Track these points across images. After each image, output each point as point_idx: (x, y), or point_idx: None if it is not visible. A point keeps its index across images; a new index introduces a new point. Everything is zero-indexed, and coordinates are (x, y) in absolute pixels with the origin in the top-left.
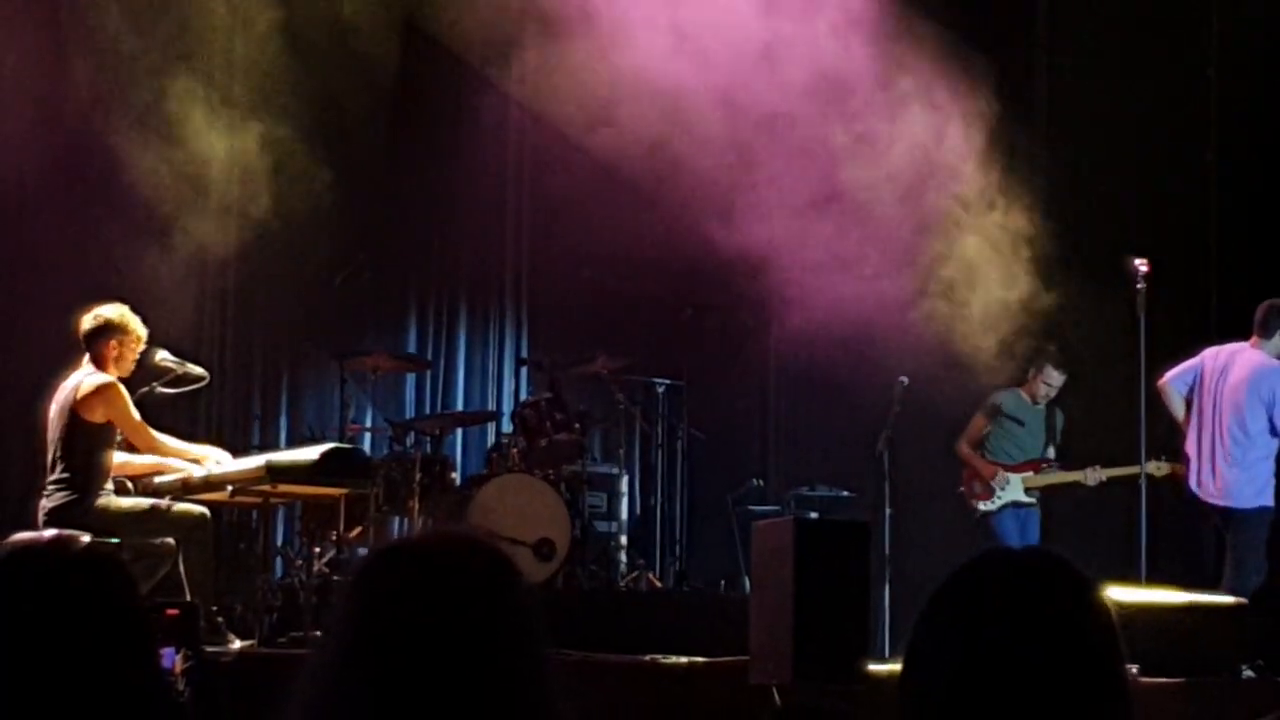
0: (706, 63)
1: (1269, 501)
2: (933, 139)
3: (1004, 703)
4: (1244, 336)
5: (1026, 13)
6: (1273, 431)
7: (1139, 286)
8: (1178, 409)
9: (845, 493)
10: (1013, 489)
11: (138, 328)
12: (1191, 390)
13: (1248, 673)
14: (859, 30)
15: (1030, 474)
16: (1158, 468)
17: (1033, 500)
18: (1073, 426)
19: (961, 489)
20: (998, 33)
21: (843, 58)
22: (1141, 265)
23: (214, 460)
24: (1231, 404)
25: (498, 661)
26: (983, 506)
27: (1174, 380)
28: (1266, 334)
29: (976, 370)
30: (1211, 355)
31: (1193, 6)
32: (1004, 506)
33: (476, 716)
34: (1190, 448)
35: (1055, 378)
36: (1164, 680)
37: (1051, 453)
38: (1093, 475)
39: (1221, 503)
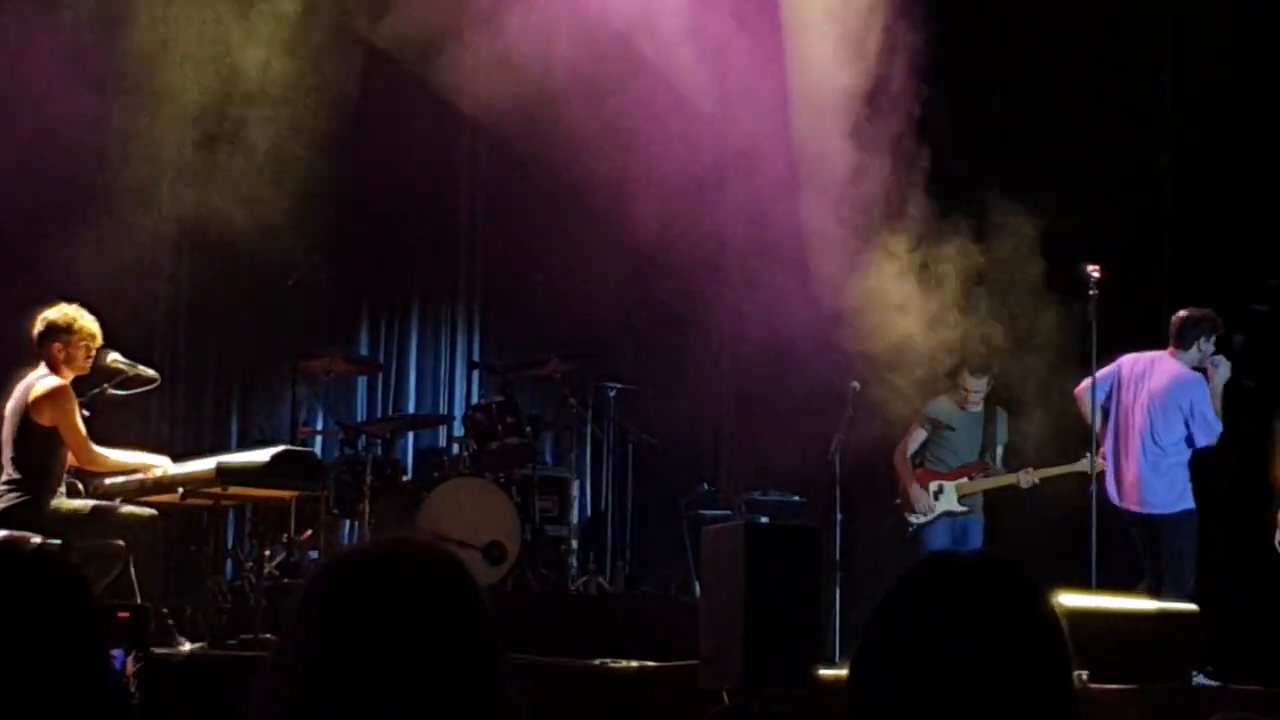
0: (658, 64)
1: (1191, 504)
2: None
3: (952, 708)
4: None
5: (981, 17)
6: (1188, 441)
7: (1091, 293)
8: (1094, 418)
9: (796, 497)
10: (946, 498)
11: (86, 325)
12: (1109, 398)
13: (1199, 679)
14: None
15: (964, 480)
16: (1090, 465)
17: (967, 509)
18: (1028, 431)
19: (898, 501)
20: (953, 35)
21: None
22: (1094, 271)
23: (159, 470)
24: (1150, 413)
25: (454, 666)
26: (916, 519)
27: (1091, 389)
28: (1183, 345)
29: (929, 377)
30: (1129, 362)
31: (1147, 11)
32: (938, 518)
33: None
34: (1107, 456)
35: (972, 382)
36: (1115, 687)
37: (999, 454)
38: (1025, 478)
39: (1144, 511)
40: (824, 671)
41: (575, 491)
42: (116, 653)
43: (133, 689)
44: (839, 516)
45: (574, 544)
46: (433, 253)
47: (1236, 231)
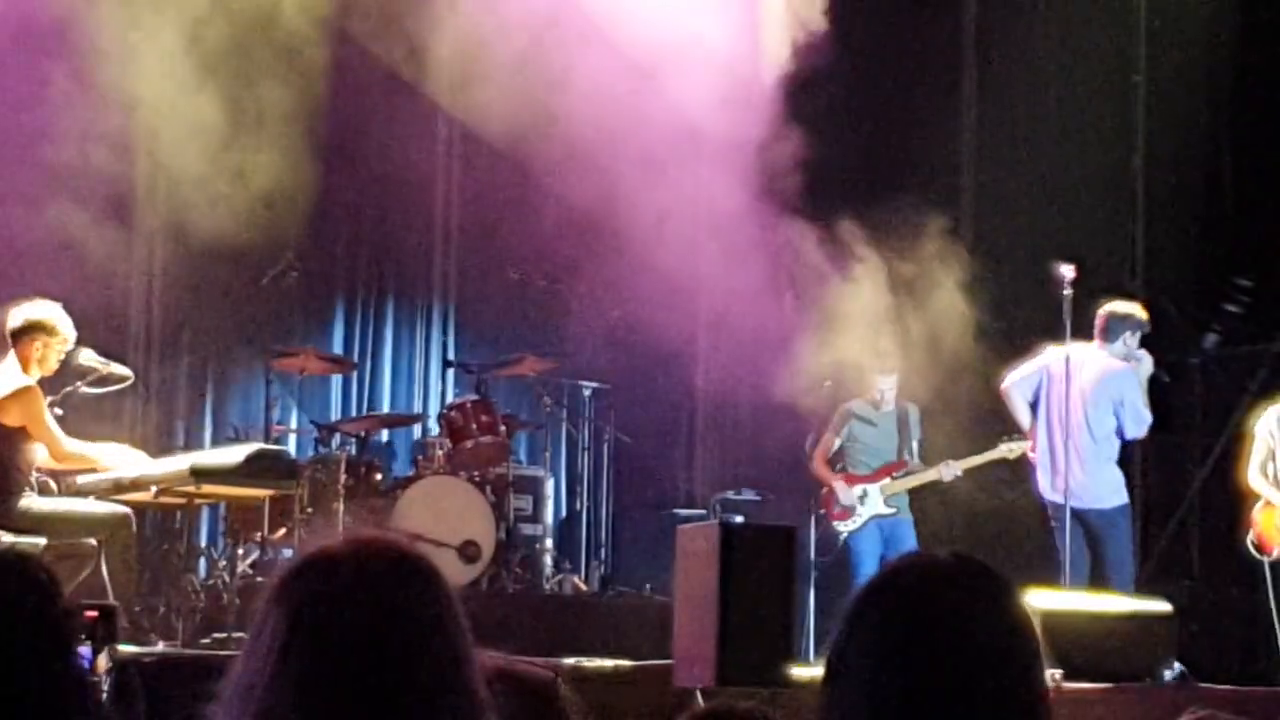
0: (630, 66)
1: (1126, 499)
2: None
3: (924, 708)
4: (1168, 343)
5: (954, 18)
6: (1119, 434)
7: (1065, 292)
8: (1023, 414)
9: (771, 496)
10: (872, 502)
11: (66, 330)
12: (1037, 394)
13: (1168, 676)
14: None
15: (887, 481)
16: (1010, 450)
17: (894, 509)
18: (946, 426)
19: (821, 510)
20: (925, 38)
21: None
22: (1068, 270)
23: (131, 462)
24: (1082, 406)
25: (423, 665)
26: (843, 527)
27: (1018, 384)
28: (1110, 339)
29: (901, 375)
30: (1056, 357)
31: (1120, 13)
32: (866, 522)
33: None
34: (1040, 451)
35: (880, 382)
36: (1086, 686)
37: (915, 449)
38: (947, 470)
39: (1083, 505)
40: (798, 671)
41: (550, 491)
42: (84, 651)
43: (104, 688)
44: (813, 515)
45: (549, 543)
46: (408, 251)
47: (1208, 233)
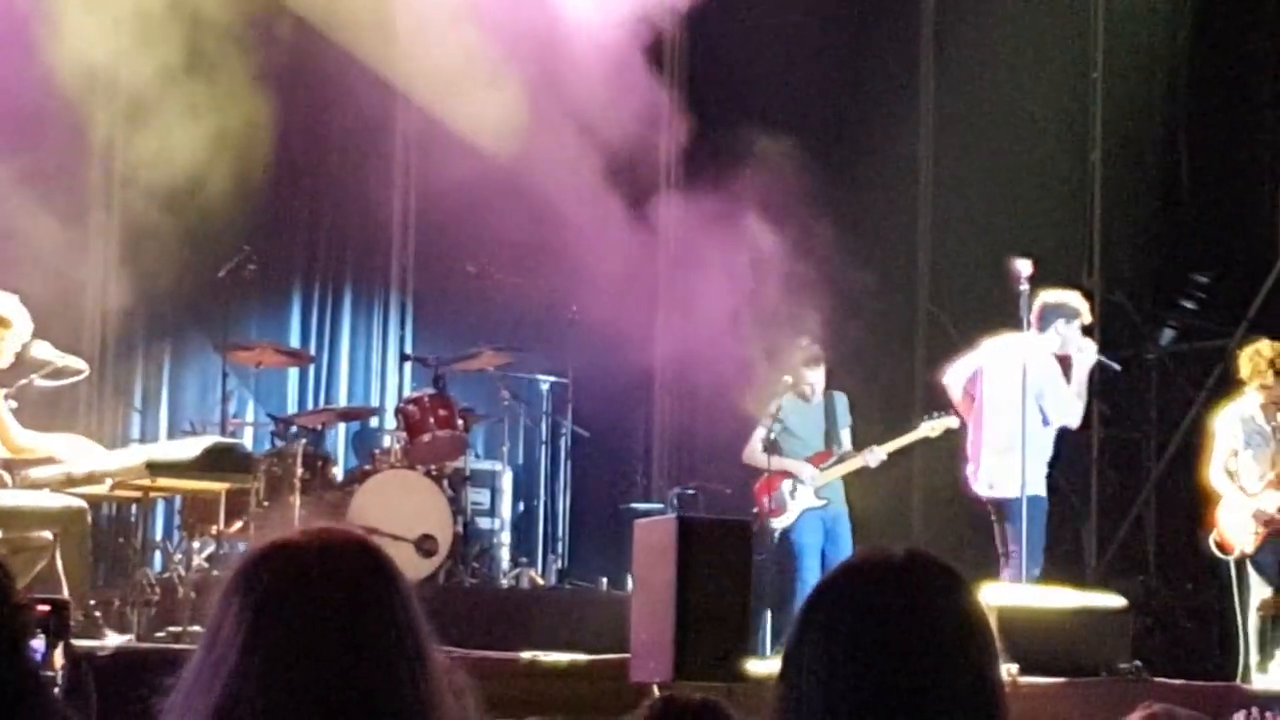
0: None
1: (1044, 491)
2: None
3: (881, 703)
4: (1125, 338)
5: (913, 14)
6: (1045, 423)
7: (1022, 288)
8: (962, 405)
9: (729, 490)
10: (803, 494)
11: (21, 322)
12: (972, 383)
13: (1124, 670)
14: None
15: (815, 471)
16: (931, 428)
17: (826, 500)
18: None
19: (755, 509)
20: (885, 33)
21: None
22: (1025, 267)
23: (86, 455)
24: (1010, 398)
25: (380, 658)
26: (776, 523)
27: (953, 376)
28: (1043, 328)
29: (858, 369)
30: (991, 350)
31: (1077, 9)
32: (800, 516)
33: (359, 716)
34: (973, 443)
35: (806, 375)
36: (1042, 681)
37: (845, 439)
38: (873, 456)
39: (1000, 495)
40: (754, 665)
41: (507, 485)
42: (37, 645)
43: (59, 682)
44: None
45: (506, 537)
46: (365, 244)
47: (1165, 229)
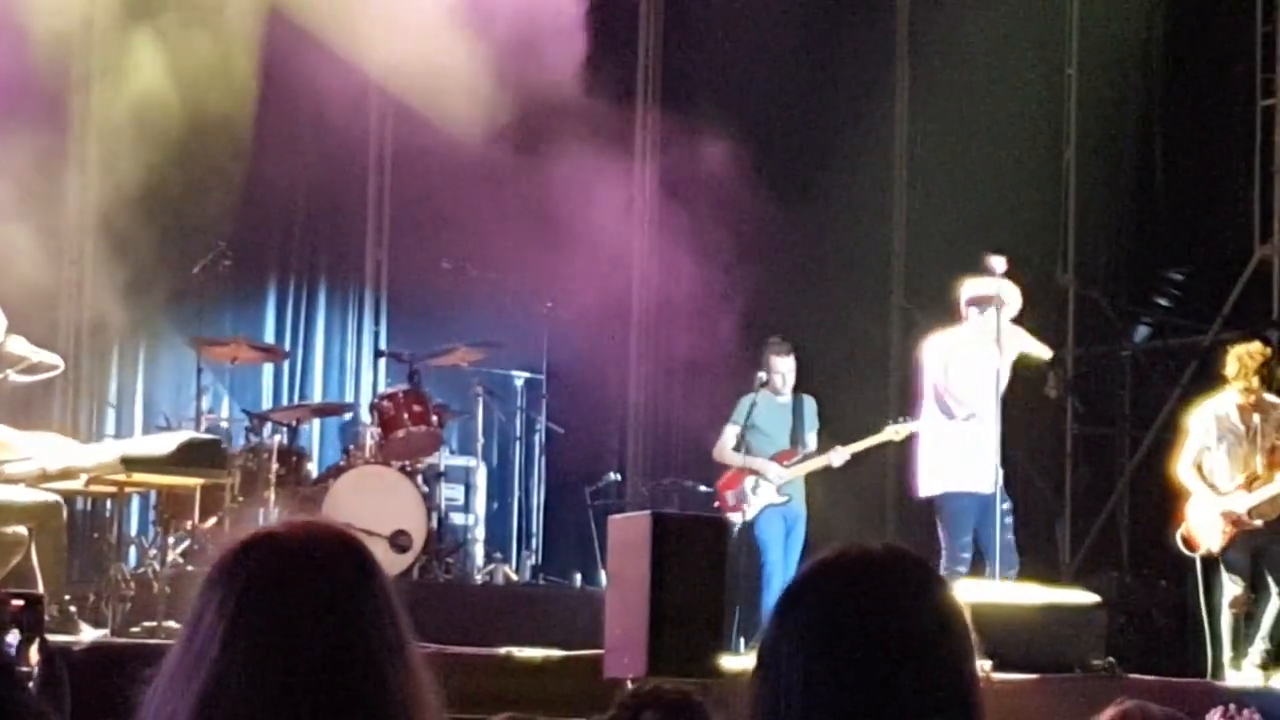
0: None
1: (946, 489)
2: None
3: (856, 698)
4: (1099, 334)
5: (888, 10)
6: (947, 415)
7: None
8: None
9: (703, 487)
10: (764, 490)
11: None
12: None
13: (1098, 667)
14: None
15: (778, 469)
16: (896, 431)
17: (787, 498)
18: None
19: (716, 504)
20: (860, 29)
21: None
22: (1000, 263)
23: (61, 450)
24: (928, 390)
25: (362, 649)
26: (739, 518)
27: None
28: (961, 318)
29: (832, 365)
30: (927, 347)
31: (1052, 7)
32: (760, 512)
33: (342, 705)
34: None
35: (778, 364)
36: (1016, 677)
37: (811, 440)
38: (837, 456)
39: (925, 493)
40: (728, 661)
41: (482, 480)
42: (11, 640)
43: (33, 676)
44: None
45: (480, 533)
46: (340, 240)
47: (1139, 226)
